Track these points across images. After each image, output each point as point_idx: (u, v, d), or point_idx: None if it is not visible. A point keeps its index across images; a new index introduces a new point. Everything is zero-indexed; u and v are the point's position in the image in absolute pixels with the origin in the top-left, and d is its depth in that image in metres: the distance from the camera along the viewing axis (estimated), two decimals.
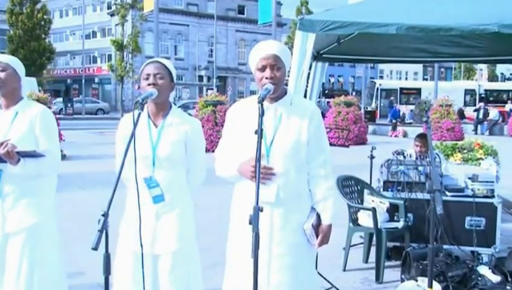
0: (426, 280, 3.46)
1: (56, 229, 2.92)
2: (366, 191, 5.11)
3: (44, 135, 2.79)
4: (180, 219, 2.64)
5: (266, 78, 2.39)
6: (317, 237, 2.48)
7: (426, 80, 52.01)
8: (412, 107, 29.80)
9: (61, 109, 35.09)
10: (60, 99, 38.38)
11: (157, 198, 2.60)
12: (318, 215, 2.50)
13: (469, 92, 32.63)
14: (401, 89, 29.88)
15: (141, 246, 2.47)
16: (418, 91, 31.54)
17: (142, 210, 2.54)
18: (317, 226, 2.48)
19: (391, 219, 4.76)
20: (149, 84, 2.56)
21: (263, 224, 2.32)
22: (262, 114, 2.16)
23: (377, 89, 29.92)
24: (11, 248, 2.74)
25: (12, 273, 2.72)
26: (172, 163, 2.61)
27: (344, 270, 4.68)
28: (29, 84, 2.96)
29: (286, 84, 2.64)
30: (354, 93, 35.69)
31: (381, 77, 58.00)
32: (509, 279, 3.98)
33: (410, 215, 4.75)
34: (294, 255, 2.44)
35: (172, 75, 2.67)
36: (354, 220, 4.75)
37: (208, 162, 2.76)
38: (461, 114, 26.82)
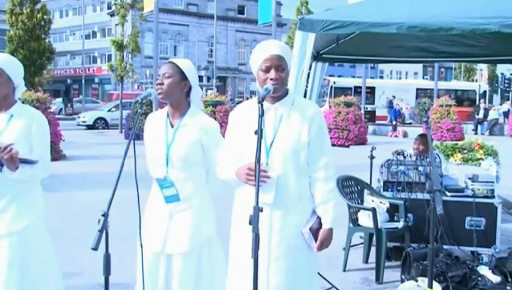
0: (426, 280, 3.45)
1: (46, 231, 2.87)
2: (366, 191, 5.11)
3: (39, 140, 2.74)
4: (195, 220, 2.62)
5: (271, 79, 2.36)
6: (317, 240, 2.45)
7: (426, 80, 52.01)
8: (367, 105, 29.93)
9: (61, 109, 35.12)
10: (60, 99, 38.41)
11: (170, 198, 2.59)
12: (319, 219, 2.48)
13: (421, 91, 32.88)
14: (355, 87, 29.86)
15: (141, 246, 2.48)
16: (371, 90, 31.50)
17: (156, 209, 2.62)
18: (317, 230, 2.45)
19: (391, 219, 4.76)
20: (157, 84, 2.59)
21: (262, 226, 2.30)
22: (262, 114, 2.15)
23: (331, 87, 29.81)
24: (1, 250, 2.67)
25: (2, 275, 2.65)
26: (187, 164, 2.60)
27: (344, 270, 4.68)
28: None
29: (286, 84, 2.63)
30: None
31: (381, 77, 57.96)
32: (510, 279, 3.97)
33: (410, 215, 4.75)
34: (292, 258, 2.42)
35: (185, 74, 2.63)
36: (354, 221, 4.75)
37: None
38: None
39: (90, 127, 25.01)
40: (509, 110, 28.21)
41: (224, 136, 2.62)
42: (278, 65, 2.38)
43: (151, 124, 2.73)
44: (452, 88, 34.22)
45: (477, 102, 31.04)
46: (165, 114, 2.69)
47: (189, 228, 2.60)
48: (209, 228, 2.69)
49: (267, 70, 2.39)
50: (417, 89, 33.09)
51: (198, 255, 2.62)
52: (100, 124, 25.45)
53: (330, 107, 22.46)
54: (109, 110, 26.20)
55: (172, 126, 2.64)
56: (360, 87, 28.92)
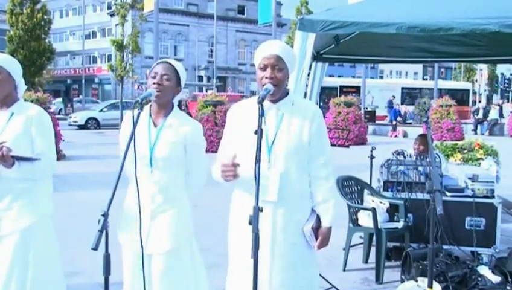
0: (426, 280, 3.45)
1: (53, 230, 2.87)
2: (366, 191, 5.11)
3: (40, 137, 2.74)
4: (176, 220, 2.60)
5: (266, 77, 2.39)
6: (317, 239, 2.47)
7: (426, 80, 51.99)
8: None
9: (61, 109, 35.10)
10: (60, 99, 38.38)
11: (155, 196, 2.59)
12: (318, 217, 2.49)
13: (406, 90, 32.95)
14: (341, 87, 30.00)
15: (141, 246, 2.47)
16: (357, 89, 31.60)
17: (137, 210, 2.53)
18: (317, 228, 2.47)
19: (391, 219, 4.76)
20: (154, 84, 2.54)
21: (265, 224, 2.33)
22: (262, 114, 2.16)
23: None
24: (4, 249, 2.68)
25: (3, 274, 2.66)
26: (169, 164, 2.58)
27: (344, 270, 4.68)
28: None
29: (286, 85, 2.64)
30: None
31: (381, 77, 57.96)
32: (509, 279, 3.97)
33: (410, 215, 4.75)
34: (295, 255, 2.44)
35: (181, 78, 2.63)
36: (354, 221, 4.75)
37: (208, 162, 2.75)
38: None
39: (81, 128, 24.61)
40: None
41: (222, 137, 2.62)
42: (275, 64, 2.39)
43: (130, 122, 2.56)
44: (444, 87, 34.33)
45: (469, 102, 31.21)
46: (147, 113, 2.63)
47: (171, 228, 2.58)
48: (189, 228, 2.68)
49: (264, 68, 2.41)
50: (402, 88, 33.37)
51: (182, 254, 2.61)
52: (92, 124, 25.04)
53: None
54: (101, 110, 25.98)
55: (155, 126, 2.62)
56: (346, 87, 29.11)
